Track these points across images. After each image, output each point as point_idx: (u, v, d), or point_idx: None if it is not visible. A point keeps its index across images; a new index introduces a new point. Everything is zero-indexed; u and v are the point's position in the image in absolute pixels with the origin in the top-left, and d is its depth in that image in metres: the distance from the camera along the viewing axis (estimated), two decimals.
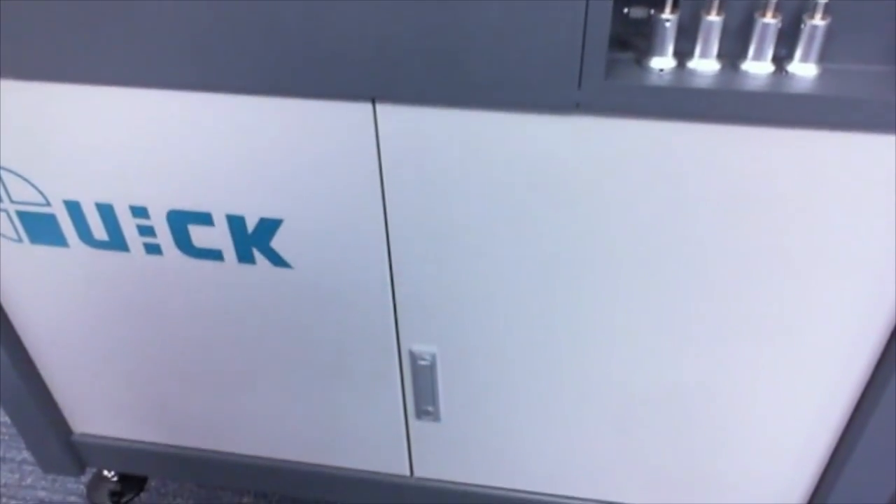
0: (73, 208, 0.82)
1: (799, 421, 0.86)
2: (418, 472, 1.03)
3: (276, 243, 0.80)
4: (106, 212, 0.81)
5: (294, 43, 0.63)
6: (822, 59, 0.61)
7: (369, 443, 1.00)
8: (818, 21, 0.59)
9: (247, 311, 0.88)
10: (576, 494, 1.00)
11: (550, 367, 0.86)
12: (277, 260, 0.82)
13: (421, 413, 0.95)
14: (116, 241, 0.84)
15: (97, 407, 1.07)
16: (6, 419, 1.35)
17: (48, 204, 0.82)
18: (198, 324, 0.91)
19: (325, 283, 0.83)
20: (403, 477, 1.04)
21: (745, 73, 0.62)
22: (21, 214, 0.84)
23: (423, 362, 0.88)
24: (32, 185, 0.81)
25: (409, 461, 1.02)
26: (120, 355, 0.98)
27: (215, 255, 0.83)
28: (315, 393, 0.96)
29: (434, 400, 0.92)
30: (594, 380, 0.86)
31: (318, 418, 0.99)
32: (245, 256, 0.82)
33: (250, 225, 0.79)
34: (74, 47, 0.68)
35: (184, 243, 0.82)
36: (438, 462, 1.01)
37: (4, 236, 0.87)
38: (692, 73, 0.62)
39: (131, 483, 1.25)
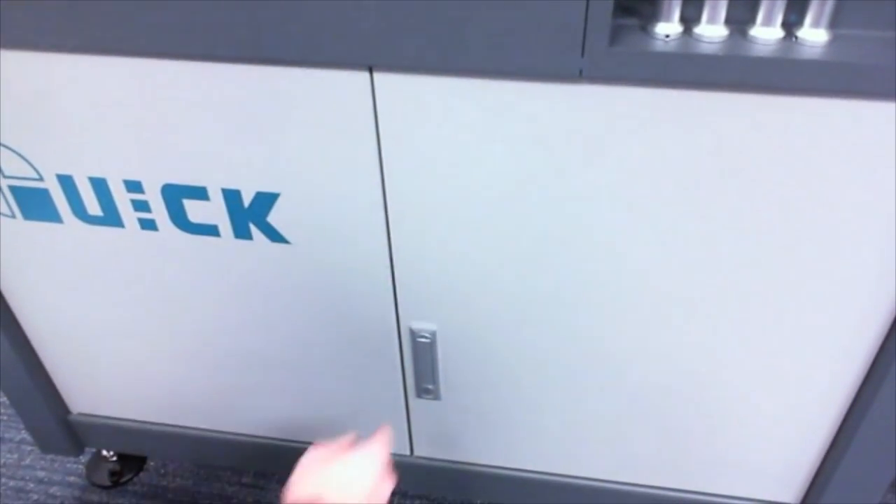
0: (67, 182, 0.80)
1: (796, 415, 0.85)
2: (418, 451, 1.02)
3: (273, 218, 0.79)
4: (99, 186, 0.80)
5: (290, 9, 0.62)
6: (833, 24, 0.60)
7: (369, 421, 0.99)
8: None
9: (244, 288, 0.87)
10: (573, 473, 0.99)
11: (550, 346, 0.85)
12: (275, 235, 0.81)
13: (421, 392, 0.94)
14: (111, 217, 0.82)
15: (95, 386, 1.06)
16: (4, 399, 1.34)
17: (41, 178, 0.81)
18: (195, 301, 0.90)
19: (324, 260, 0.82)
20: (403, 456, 1.03)
21: (754, 39, 0.60)
22: (14, 189, 0.82)
23: (422, 340, 0.87)
24: (24, 159, 0.79)
25: (410, 440, 1.01)
26: (117, 334, 0.97)
27: (211, 230, 0.81)
28: (314, 372, 0.95)
29: (434, 378, 0.91)
30: (594, 361, 0.85)
31: (317, 397, 0.98)
32: (242, 232, 0.81)
33: (246, 199, 0.78)
34: (67, 15, 0.66)
35: (179, 218, 0.81)
36: (438, 441, 1.00)
37: None
38: (699, 39, 0.60)
39: (130, 463, 1.24)
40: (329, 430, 1.02)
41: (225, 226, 0.81)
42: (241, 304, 0.89)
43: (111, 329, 0.96)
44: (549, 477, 1.00)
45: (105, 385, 1.05)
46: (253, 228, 0.80)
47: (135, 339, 0.97)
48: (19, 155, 0.79)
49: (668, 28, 0.60)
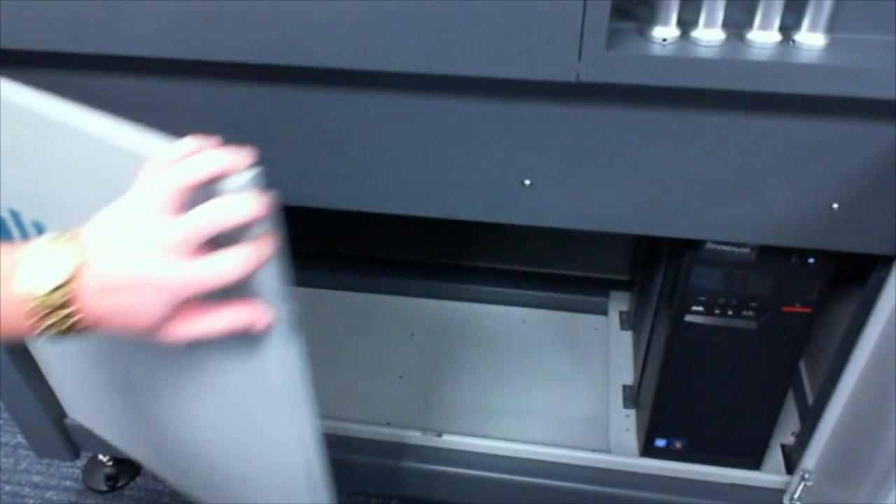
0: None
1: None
2: (417, 457, 1.02)
3: None
4: None
5: (283, 12, 0.61)
6: (831, 28, 0.59)
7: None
8: None
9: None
10: None
11: None
12: None
13: None
14: None
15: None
16: (0, 403, 1.34)
17: None
18: None
19: None
20: (399, 461, 1.02)
21: (751, 43, 0.60)
22: None
23: None
24: None
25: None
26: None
27: None
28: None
29: None
30: None
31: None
32: None
33: None
34: (54, 20, 0.66)
35: None
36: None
37: None
38: (696, 42, 0.60)
39: (127, 467, 1.24)
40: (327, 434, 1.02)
41: None
42: None
43: None
44: (540, 480, 0.99)
45: None
46: None
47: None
48: None
49: (665, 32, 0.60)
